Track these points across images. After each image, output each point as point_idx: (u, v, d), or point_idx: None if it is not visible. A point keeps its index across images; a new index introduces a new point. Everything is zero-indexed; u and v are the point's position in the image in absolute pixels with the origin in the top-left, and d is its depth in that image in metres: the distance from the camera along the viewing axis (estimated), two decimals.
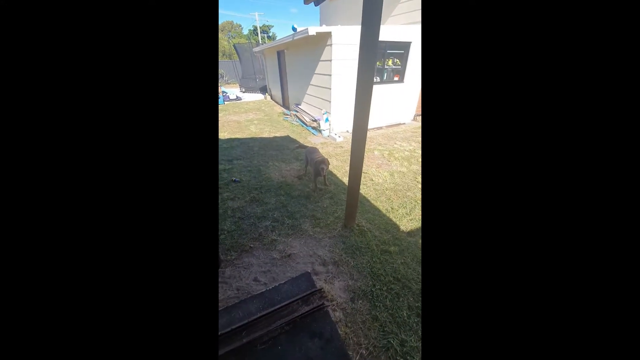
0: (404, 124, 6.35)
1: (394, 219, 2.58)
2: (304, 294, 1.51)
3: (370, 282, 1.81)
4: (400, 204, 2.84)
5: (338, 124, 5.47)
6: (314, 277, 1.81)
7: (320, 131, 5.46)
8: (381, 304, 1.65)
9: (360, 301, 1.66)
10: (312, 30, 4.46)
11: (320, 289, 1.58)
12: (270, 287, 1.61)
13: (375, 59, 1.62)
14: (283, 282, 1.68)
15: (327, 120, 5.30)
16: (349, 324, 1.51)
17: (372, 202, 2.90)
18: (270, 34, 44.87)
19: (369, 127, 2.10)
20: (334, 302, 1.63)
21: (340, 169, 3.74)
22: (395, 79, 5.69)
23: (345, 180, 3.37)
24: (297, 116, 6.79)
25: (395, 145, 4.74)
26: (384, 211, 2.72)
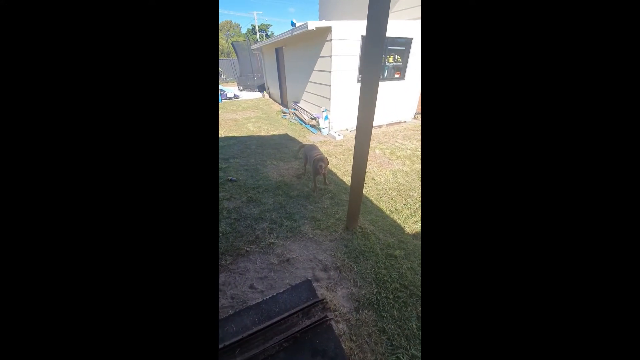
0: (405, 122, 6.24)
1: (398, 221, 2.46)
2: (305, 305, 1.37)
3: (376, 290, 1.67)
4: (404, 204, 2.71)
5: (338, 122, 5.34)
6: (315, 284, 1.67)
7: (319, 129, 5.32)
8: (388, 314, 1.51)
9: (366, 311, 1.53)
10: (312, 25, 4.32)
11: (323, 300, 1.43)
12: (268, 297, 1.47)
13: (382, 56, 1.50)
14: (281, 290, 1.53)
15: (326, 118, 5.16)
16: (354, 338, 1.37)
17: (375, 202, 2.76)
18: (269, 33, 44.54)
19: None
20: (337, 313, 1.50)
21: (340, 167, 3.60)
22: (396, 76, 5.56)
23: (346, 179, 3.24)
24: (295, 114, 6.65)
25: (397, 144, 4.61)
26: (387, 212, 2.59)
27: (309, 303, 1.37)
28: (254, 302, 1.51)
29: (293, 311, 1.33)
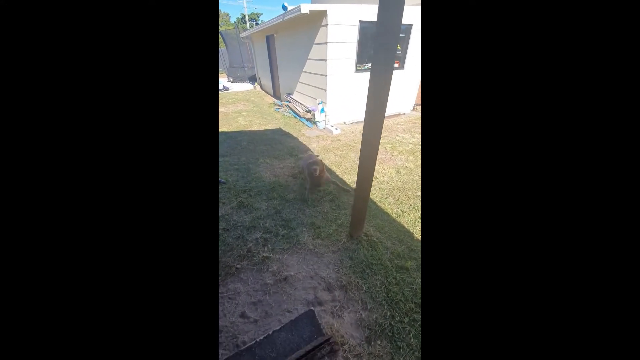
0: (404, 114, 5.97)
1: (406, 225, 2.22)
2: (309, 347, 1.12)
3: (388, 312, 1.45)
4: (410, 205, 2.48)
5: (335, 115, 5.03)
6: (318, 310, 1.43)
7: (315, 123, 5.01)
8: (404, 344, 1.30)
9: (379, 341, 1.30)
10: (305, 8, 3.97)
11: (329, 339, 1.19)
12: (262, 337, 1.21)
13: (396, 42, 1.25)
14: (278, 327, 1.28)
15: (322, 110, 4.85)
16: None
17: (379, 204, 2.52)
18: (259, 22, 43.14)
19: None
20: (346, 347, 1.26)
21: (339, 165, 3.34)
22: (395, 65, 5.24)
23: (346, 178, 2.98)
24: (289, 107, 6.30)
25: (398, 138, 4.36)
26: (393, 215, 2.35)
27: (313, 345, 1.12)
28: (246, 337, 1.26)
29: (293, 358, 1.08)
